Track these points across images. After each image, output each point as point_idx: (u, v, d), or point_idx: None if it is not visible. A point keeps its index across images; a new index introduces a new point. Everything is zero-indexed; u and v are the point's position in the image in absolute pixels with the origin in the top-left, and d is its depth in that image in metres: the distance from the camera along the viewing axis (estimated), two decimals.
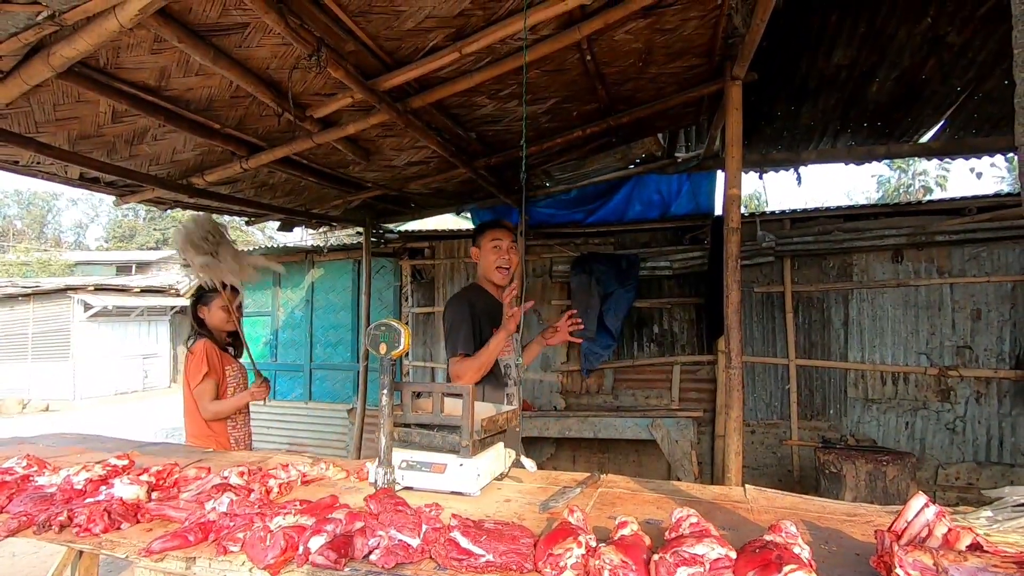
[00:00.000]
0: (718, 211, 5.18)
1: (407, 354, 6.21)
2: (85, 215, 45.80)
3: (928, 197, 16.50)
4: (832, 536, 1.46)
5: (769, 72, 3.58)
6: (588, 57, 2.71)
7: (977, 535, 1.09)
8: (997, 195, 4.66)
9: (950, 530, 1.08)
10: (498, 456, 1.96)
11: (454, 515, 1.37)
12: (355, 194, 4.36)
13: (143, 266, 27.07)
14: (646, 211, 5.30)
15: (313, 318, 6.78)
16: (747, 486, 1.96)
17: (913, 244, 4.69)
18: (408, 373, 6.18)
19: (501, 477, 1.99)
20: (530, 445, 4.98)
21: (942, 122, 4.28)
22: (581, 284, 5.03)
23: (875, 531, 1.16)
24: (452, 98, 2.97)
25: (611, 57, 2.80)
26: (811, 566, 1.13)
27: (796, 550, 1.12)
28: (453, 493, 1.78)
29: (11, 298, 14.29)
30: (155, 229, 39.38)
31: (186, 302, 9.71)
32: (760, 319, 5.13)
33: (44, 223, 43.88)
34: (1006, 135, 4.25)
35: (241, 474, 1.86)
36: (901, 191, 32.58)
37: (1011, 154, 5.36)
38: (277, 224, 5.31)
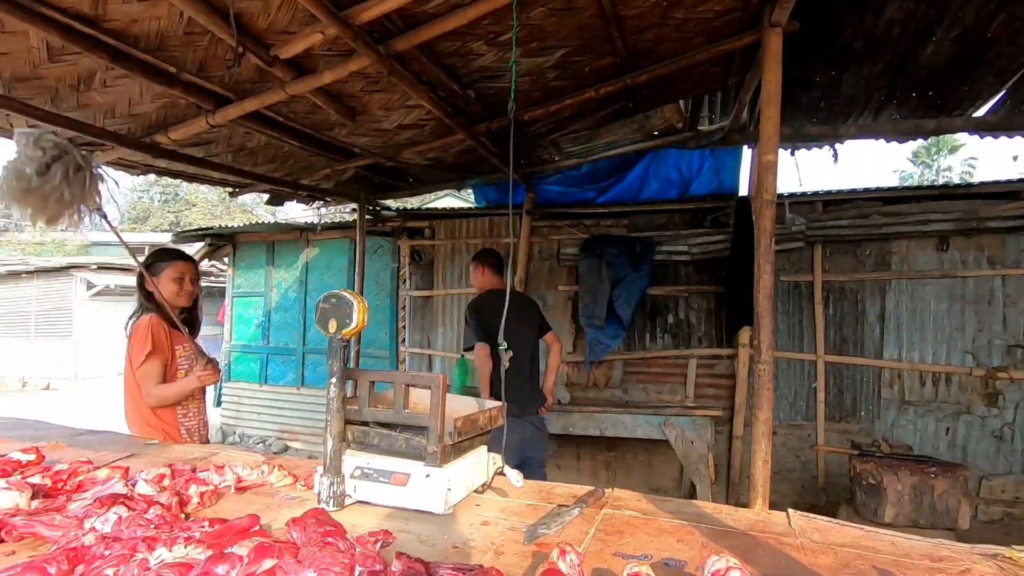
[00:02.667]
0: (743, 191, 4.73)
1: (403, 340, 5.86)
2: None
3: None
4: None
5: (808, 31, 3.12)
6: None
7: None
8: None
9: None
10: (478, 463, 1.58)
11: (399, 555, 0.99)
12: (344, 162, 3.97)
13: (154, 247, 27.06)
14: (663, 190, 4.86)
15: (307, 299, 6.44)
16: (790, 511, 1.56)
17: (961, 231, 4.22)
18: (404, 361, 5.82)
19: (482, 489, 1.61)
20: None
21: (1003, 93, 3.79)
22: (590, 268, 4.63)
23: None
24: (444, 42, 2.57)
25: None
26: None
27: None
28: (418, 511, 1.41)
29: (15, 275, 14.16)
30: (169, 211, 39.41)
31: None
32: (786, 310, 4.69)
33: None
34: None
35: (159, 478, 1.50)
36: (929, 181, 31.53)
37: None
38: (265, 197, 4.96)
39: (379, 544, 1.13)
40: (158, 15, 2.17)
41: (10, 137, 2.87)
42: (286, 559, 1.00)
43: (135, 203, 42.15)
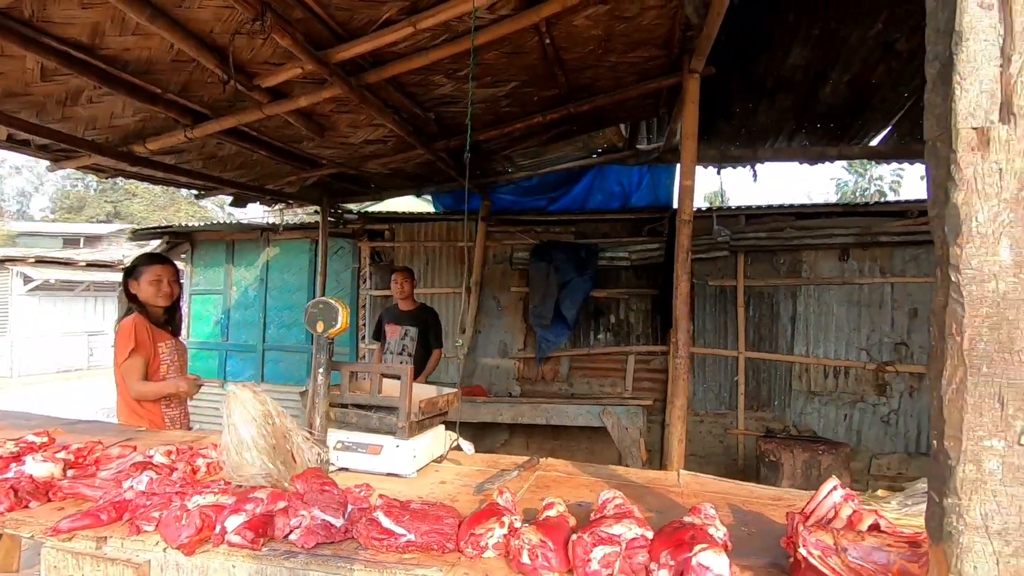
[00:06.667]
0: (676, 204, 5.25)
1: (363, 337, 6.13)
2: (29, 183, 43.11)
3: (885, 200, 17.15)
4: (754, 519, 1.51)
5: (728, 69, 3.62)
6: (547, 41, 2.68)
7: (881, 517, 1.14)
8: None
9: (854, 512, 1.12)
10: (437, 438, 1.95)
11: (380, 495, 1.35)
12: (310, 171, 4.23)
13: (93, 239, 25.79)
14: (607, 201, 5.34)
15: (267, 298, 6.60)
16: (681, 471, 2.00)
17: (859, 244, 4.87)
18: (364, 357, 6.09)
19: (440, 459, 1.98)
20: (484, 431, 4.99)
21: (890, 127, 4.43)
22: (539, 272, 5.05)
23: (787, 513, 1.20)
24: (409, 76, 2.91)
25: (570, 43, 2.78)
26: (725, 546, 1.16)
27: (711, 531, 1.14)
28: (389, 475, 1.76)
29: None
30: (107, 201, 37.44)
31: None
32: (713, 312, 5.25)
33: None
34: None
35: (168, 453, 1.79)
36: (858, 194, 33.81)
37: None
38: (230, 199, 5.13)
39: (362, 492, 1.48)
40: (150, 45, 2.42)
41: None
42: (295, 501, 1.34)
43: (67, 192, 39.90)
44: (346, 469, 1.79)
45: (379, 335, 4.49)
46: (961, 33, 0.78)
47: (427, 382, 3.73)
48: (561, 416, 4.46)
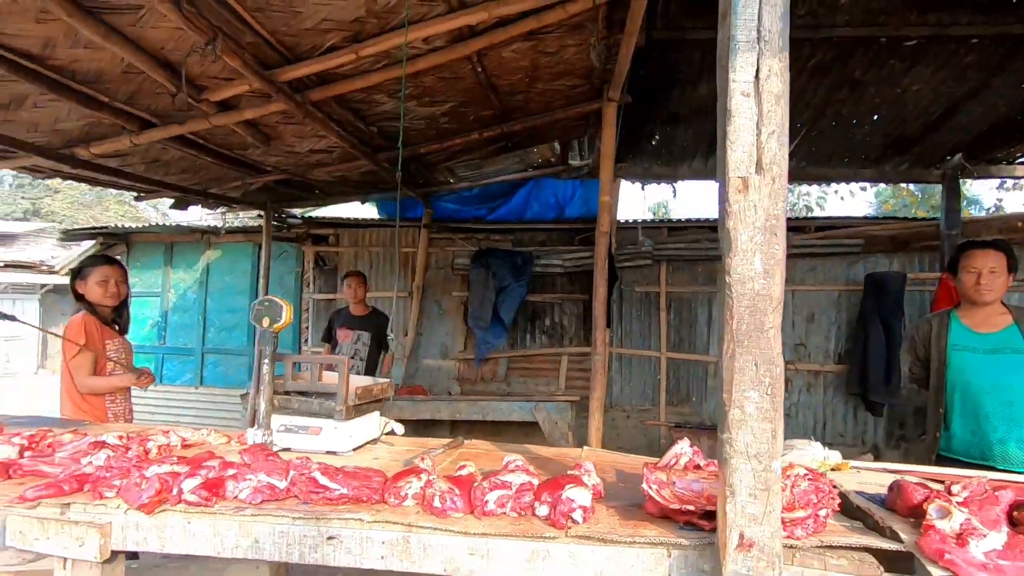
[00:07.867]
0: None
1: (306, 341, 6.23)
2: None
3: (811, 215, 18.61)
4: (634, 478, 1.83)
5: (649, 98, 4.04)
6: (479, 69, 2.99)
7: (711, 463, 1.49)
8: (829, 217, 5.50)
9: (690, 459, 1.47)
10: (372, 422, 2.19)
11: (319, 463, 1.59)
12: (255, 176, 4.36)
13: (7, 238, 24.08)
14: (543, 212, 5.70)
15: (207, 300, 6.57)
16: (585, 447, 2.33)
17: None
18: None
19: (375, 441, 2.22)
20: (428, 429, 5.20)
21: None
22: (478, 277, 5.34)
23: (644, 463, 1.53)
24: (352, 94, 3.14)
25: (500, 71, 3.10)
26: (598, 493, 1.48)
27: (585, 479, 1.46)
28: (328, 453, 1.99)
29: None
30: (23, 197, 34.90)
31: (61, 280, 8.95)
32: (639, 316, 5.70)
33: None
34: (836, 167, 5.06)
35: (120, 437, 1.95)
36: (788, 208, 36.33)
37: (855, 183, 6.33)
38: (171, 201, 5.16)
39: (302, 462, 1.71)
40: (101, 58, 2.56)
41: None
42: (243, 468, 1.56)
43: None
44: (288, 449, 2.01)
45: (329, 338, 4.65)
46: (731, 112, 1.13)
47: None
48: (496, 412, 4.75)
